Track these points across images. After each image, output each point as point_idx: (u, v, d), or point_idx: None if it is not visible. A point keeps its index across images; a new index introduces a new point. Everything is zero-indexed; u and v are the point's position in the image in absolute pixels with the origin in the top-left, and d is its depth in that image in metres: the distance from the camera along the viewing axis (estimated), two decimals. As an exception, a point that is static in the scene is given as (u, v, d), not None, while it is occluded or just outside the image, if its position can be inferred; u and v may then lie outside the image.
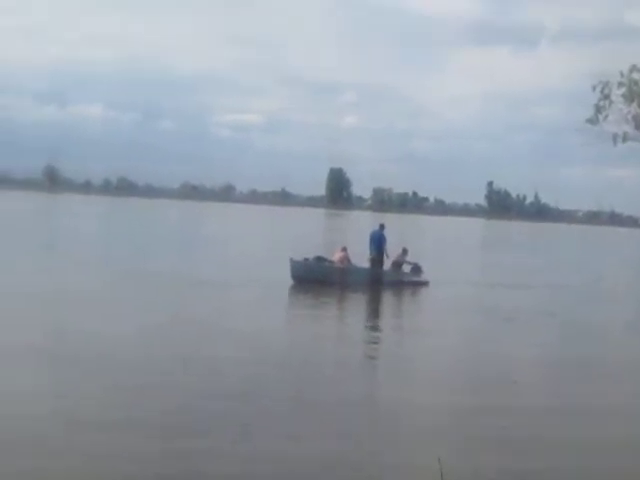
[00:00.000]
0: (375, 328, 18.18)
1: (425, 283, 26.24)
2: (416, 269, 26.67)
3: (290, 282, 24.17)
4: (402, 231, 51.60)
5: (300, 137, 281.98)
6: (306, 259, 25.41)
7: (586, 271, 38.93)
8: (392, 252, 26.59)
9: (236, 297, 21.39)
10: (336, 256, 25.63)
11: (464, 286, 27.14)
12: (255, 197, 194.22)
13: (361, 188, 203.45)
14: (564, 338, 17.81)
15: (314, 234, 54.12)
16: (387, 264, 26.30)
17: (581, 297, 26.73)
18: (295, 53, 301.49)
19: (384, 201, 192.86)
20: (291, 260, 24.78)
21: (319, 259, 25.63)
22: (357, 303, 22.71)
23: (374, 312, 21.50)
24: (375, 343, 15.96)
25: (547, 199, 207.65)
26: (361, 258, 25.96)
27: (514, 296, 25.63)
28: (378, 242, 25.87)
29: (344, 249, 25.89)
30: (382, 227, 26.42)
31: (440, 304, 22.64)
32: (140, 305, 18.55)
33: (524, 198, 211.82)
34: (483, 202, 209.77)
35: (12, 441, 8.22)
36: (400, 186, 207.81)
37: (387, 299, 23.91)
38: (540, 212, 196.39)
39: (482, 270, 37.05)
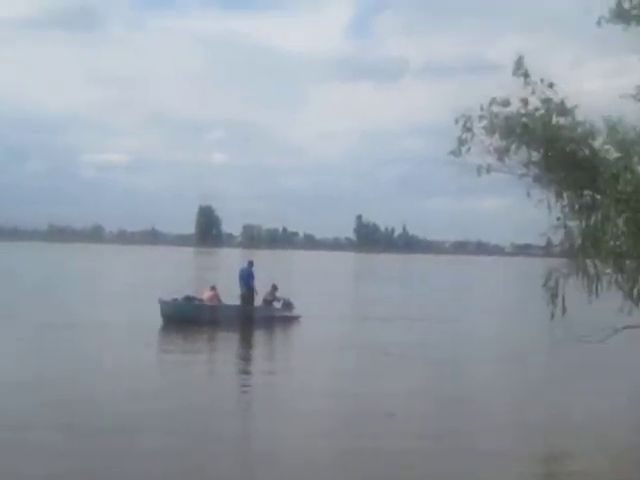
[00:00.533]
0: (245, 370, 17.71)
1: (296, 318, 26.18)
2: (287, 304, 26.60)
3: (160, 322, 23.76)
4: (272, 267, 51.63)
5: (168, 175, 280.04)
6: (175, 299, 25.18)
7: (454, 302, 39.67)
8: (261, 289, 26.50)
9: (103, 338, 20.77)
10: (205, 295, 25.41)
11: (336, 320, 27.17)
12: (124, 237, 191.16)
13: (231, 225, 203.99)
14: (439, 373, 17.79)
15: (184, 273, 53.64)
16: (258, 300, 26.20)
17: (453, 329, 27.04)
18: (160, 91, 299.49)
19: (254, 237, 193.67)
20: (160, 300, 24.58)
21: (188, 298, 25.43)
22: (228, 343, 22.26)
23: (245, 352, 21.05)
24: (245, 386, 15.56)
25: (415, 231, 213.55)
26: (231, 296, 25.76)
27: (386, 330, 25.62)
28: (247, 279, 25.85)
29: (213, 288, 25.75)
30: (251, 264, 26.43)
31: (312, 340, 22.36)
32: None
33: (392, 231, 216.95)
34: (352, 236, 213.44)
35: None
36: (270, 222, 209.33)
37: (259, 337, 23.64)
38: (408, 244, 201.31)
39: (353, 303, 37.40)
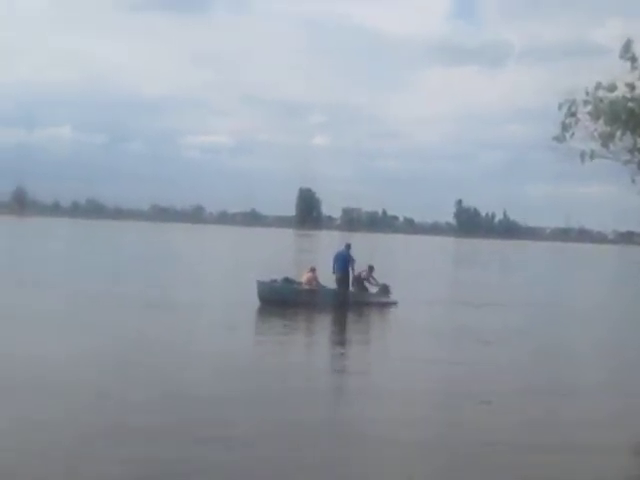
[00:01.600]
0: (343, 355, 17.43)
1: (393, 303, 25.86)
2: (384, 289, 26.25)
3: (257, 304, 23.88)
4: (371, 250, 51.43)
5: (269, 158, 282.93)
6: (273, 280, 25.16)
7: (557, 288, 38.94)
8: (359, 271, 26.17)
9: (202, 319, 21.11)
10: (304, 277, 25.33)
11: (434, 306, 26.83)
12: (225, 218, 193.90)
13: (330, 208, 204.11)
14: (541, 359, 17.37)
15: (283, 255, 53.75)
16: (353, 282, 25.86)
17: (555, 316, 26.47)
18: (262, 74, 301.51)
19: (353, 220, 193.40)
20: (258, 282, 24.59)
21: (287, 280, 25.39)
22: (325, 326, 22.21)
23: (341, 337, 20.62)
24: (342, 372, 15.30)
25: (516, 217, 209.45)
26: (331, 279, 25.53)
27: (486, 316, 25.21)
28: (343, 262, 25.29)
29: (312, 270, 25.61)
30: (348, 247, 25.82)
31: (409, 326, 21.92)
32: (102, 328, 18.20)
33: (493, 216, 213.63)
34: (452, 220, 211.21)
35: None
36: (369, 205, 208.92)
37: (354, 322, 23.23)
38: (509, 230, 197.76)
39: (452, 289, 37.03)
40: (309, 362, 16.16)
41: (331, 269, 25.37)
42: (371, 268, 26.66)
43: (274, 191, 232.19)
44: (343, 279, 25.21)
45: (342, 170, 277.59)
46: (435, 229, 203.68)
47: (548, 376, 15.27)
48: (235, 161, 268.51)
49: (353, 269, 25.40)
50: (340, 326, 22.48)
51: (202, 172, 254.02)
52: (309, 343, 19.29)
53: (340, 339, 20.18)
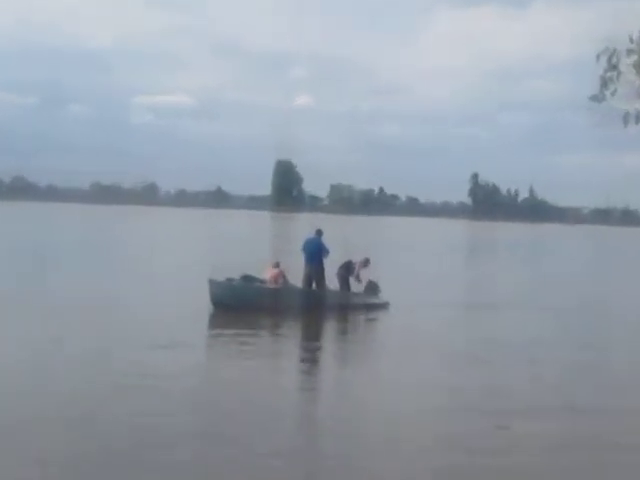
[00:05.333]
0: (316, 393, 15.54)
1: (383, 306, 25.58)
2: (371, 288, 25.97)
3: (209, 308, 23.51)
4: (362, 236, 51.11)
5: (240, 123, 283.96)
6: (229, 279, 24.75)
7: (596, 285, 38.58)
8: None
9: (124, 330, 20.22)
10: (268, 274, 24.87)
11: (436, 309, 26.24)
12: (184, 198, 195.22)
13: (316, 185, 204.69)
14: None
15: (252, 243, 53.71)
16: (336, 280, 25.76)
17: (591, 321, 26.11)
18: (233, 19, 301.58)
19: (343, 200, 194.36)
20: (210, 281, 24.06)
21: (246, 278, 24.96)
22: (293, 340, 21.23)
23: (311, 356, 19.06)
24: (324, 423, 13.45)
25: (544, 194, 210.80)
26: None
27: (513, 322, 24.89)
28: (314, 253, 25.10)
29: (277, 265, 25.31)
30: (319, 233, 25.81)
31: (403, 340, 20.64)
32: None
33: (516, 193, 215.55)
34: (466, 199, 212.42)
35: None
36: (363, 182, 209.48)
37: (331, 332, 22.76)
38: (536, 210, 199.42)
39: (461, 287, 36.58)
40: (268, 408, 13.49)
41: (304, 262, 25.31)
42: (367, 261, 26.49)
43: (246, 165, 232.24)
44: (314, 274, 24.97)
45: (330, 138, 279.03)
46: (445, 210, 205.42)
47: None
48: (198, 127, 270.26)
49: (322, 263, 25.17)
50: (312, 340, 21.40)
51: (157, 141, 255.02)
52: (270, 372, 16.77)
53: (310, 363, 18.32)
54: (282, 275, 24.87)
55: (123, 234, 64.44)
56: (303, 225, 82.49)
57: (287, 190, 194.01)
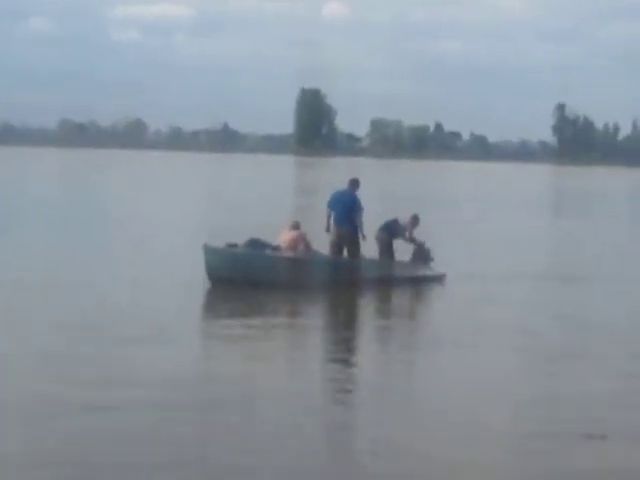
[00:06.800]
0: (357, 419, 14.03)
1: (437, 278, 25.30)
2: (421, 254, 25.66)
3: (205, 284, 23.05)
4: (409, 187, 50.32)
5: (251, 39, 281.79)
6: (231, 245, 24.09)
7: None
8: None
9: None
10: (284, 238, 24.25)
11: (512, 282, 25.82)
12: (179, 139, 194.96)
13: (352, 120, 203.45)
14: None
15: (267, 199, 53.81)
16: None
17: None
18: None
19: (389, 140, 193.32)
20: (206, 248, 23.30)
21: (254, 244, 24.23)
22: (320, 333, 20.01)
23: (348, 360, 17.50)
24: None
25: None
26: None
27: (599, 299, 24.44)
28: (347, 210, 24.49)
29: (296, 225, 24.64)
30: (354, 184, 25.17)
31: (475, 326, 19.79)
32: None
33: (616, 130, 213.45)
34: (550, 138, 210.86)
35: None
36: (415, 116, 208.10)
37: (371, 319, 21.78)
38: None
39: (543, 253, 36.09)
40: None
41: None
42: (416, 219, 26.25)
43: (260, 95, 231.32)
44: (345, 238, 24.42)
45: (370, 58, 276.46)
46: (522, 152, 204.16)
47: None
48: (197, 47, 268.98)
49: (360, 223, 24.46)
50: (342, 330, 20.51)
51: (143, 65, 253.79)
52: (283, 391, 14.80)
53: (342, 368, 16.59)
54: (303, 239, 24.24)
55: (97, 187, 64.46)
56: (336, 173, 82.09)
57: (315, 127, 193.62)
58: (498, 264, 29.11)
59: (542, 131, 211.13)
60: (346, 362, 17.05)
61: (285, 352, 17.86)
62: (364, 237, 24.72)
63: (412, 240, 25.81)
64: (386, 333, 20.33)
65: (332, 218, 24.73)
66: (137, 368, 15.14)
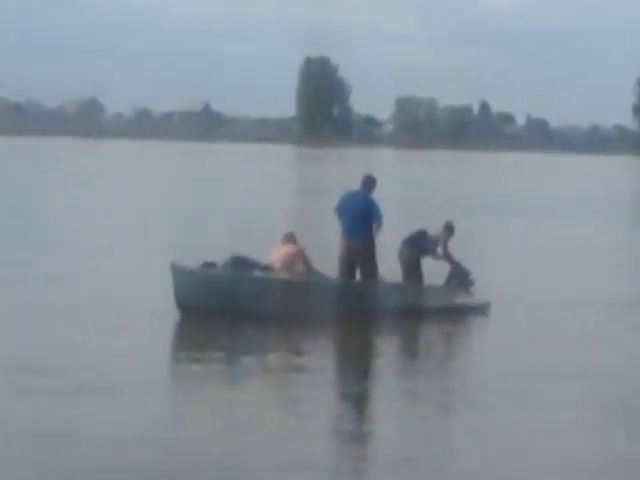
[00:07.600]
0: None
1: (480, 308, 25.12)
2: (458, 276, 25.49)
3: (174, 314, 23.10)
4: (445, 186, 50.37)
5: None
6: (208, 264, 24.16)
7: None
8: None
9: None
10: (276, 254, 24.24)
11: (581, 312, 25.85)
12: (148, 125, 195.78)
13: (371, 99, 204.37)
14: None
15: (258, 203, 54.86)
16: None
17: None
18: None
19: (418, 124, 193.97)
20: (174, 267, 23.37)
21: (238, 262, 24.29)
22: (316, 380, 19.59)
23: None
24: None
25: None
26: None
27: None
28: (360, 217, 24.36)
29: (290, 238, 24.53)
30: (369, 184, 25.02)
31: (536, 375, 19.48)
32: None
33: None
34: (630, 122, 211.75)
35: None
36: (451, 94, 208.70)
37: (394, 362, 21.63)
38: None
39: (622, 272, 36.05)
40: None
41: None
42: (449, 229, 26.27)
43: (250, 68, 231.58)
44: (357, 254, 24.36)
45: (394, 18, 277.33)
46: (593, 141, 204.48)
47: None
48: (169, 5, 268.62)
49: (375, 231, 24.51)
50: (354, 382, 19.70)
51: (103, 30, 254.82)
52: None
53: (354, 443, 15.57)
54: (301, 256, 24.28)
55: (33, 187, 65.02)
56: (350, 168, 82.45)
57: (323, 109, 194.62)
58: (561, 288, 29.18)
59: (620, 113, 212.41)
60: (359, 435, 15.92)
61: (276, 419, 16.59)
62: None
63: (446, 257, 25.78)
64: (413, 385, 19.66)
65: (341, 226, 24.65)
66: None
